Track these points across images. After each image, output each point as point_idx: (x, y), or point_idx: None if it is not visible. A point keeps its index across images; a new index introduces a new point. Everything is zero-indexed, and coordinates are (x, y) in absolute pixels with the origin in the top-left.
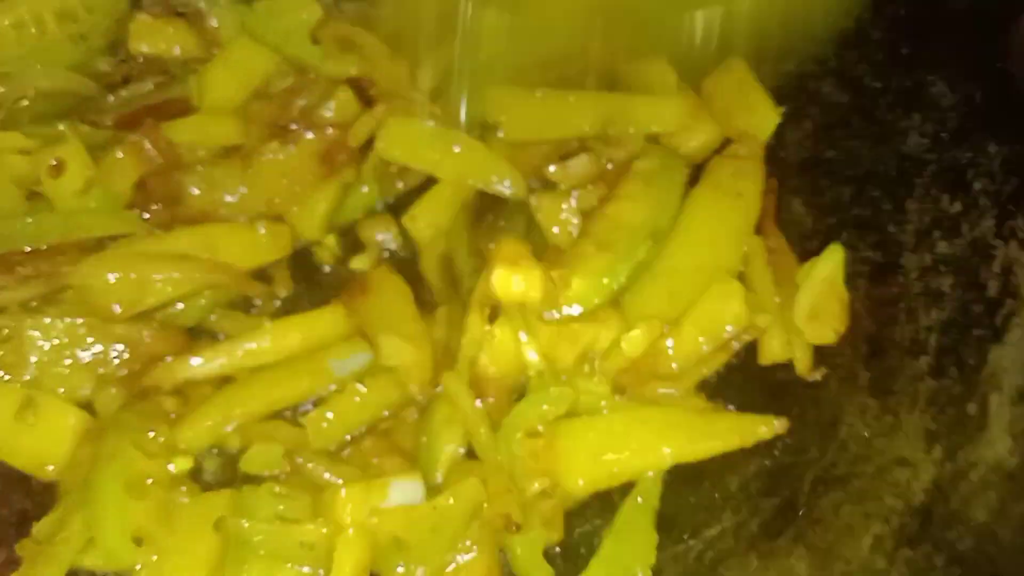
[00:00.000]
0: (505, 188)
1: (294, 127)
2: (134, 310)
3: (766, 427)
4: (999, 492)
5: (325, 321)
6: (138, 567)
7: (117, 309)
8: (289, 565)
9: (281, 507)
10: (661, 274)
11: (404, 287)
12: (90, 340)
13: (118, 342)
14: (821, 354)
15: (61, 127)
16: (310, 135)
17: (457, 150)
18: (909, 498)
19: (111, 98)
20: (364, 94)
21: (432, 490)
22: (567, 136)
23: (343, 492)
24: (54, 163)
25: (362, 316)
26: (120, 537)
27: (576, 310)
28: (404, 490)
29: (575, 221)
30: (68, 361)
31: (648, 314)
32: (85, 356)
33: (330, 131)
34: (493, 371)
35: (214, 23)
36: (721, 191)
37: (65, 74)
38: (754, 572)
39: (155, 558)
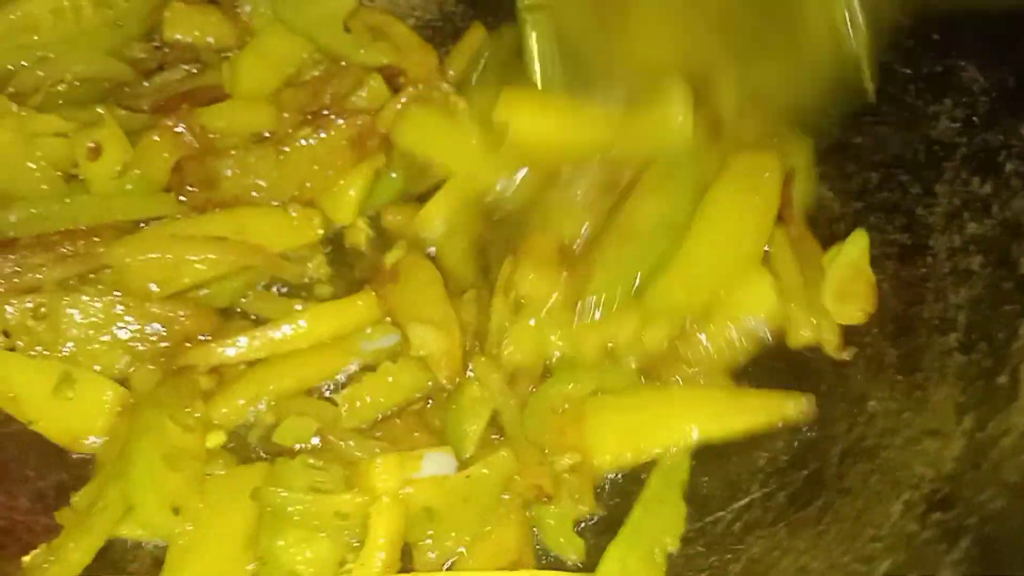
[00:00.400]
0: (517, 183)
1: (326, 113)
2: (170, 290)
3: (794, 404)
4: None
5: (357, 308)
6: (176, 535)
7: (154, 288)
8: (323, 535)
9: (315, 479)
10: (682, 267)
11: (435, 273)
12: (127, 319)
13: (154, 321)
14: (849, 334)
15: (99, 110)
16: (341, 121)
17: (473, 143)
18: (939, 466)
19: (146, 84)
20: (393, 82)
21: (462, 465)
22: (571, 150)
23: (378, 462)
24: (92, 146)
25: (392, 303)
26: (158, 506)
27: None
28: (437, 462)
29: (587, 220)
30: (105, 338)
31: (669, 306)
32: (122, 333)
33: (361, 118)
34: (519, 358)
35: (247, 10)
36: (741, 184)
37: (101, 59)
38: (783, 541)
39: (191, 527)
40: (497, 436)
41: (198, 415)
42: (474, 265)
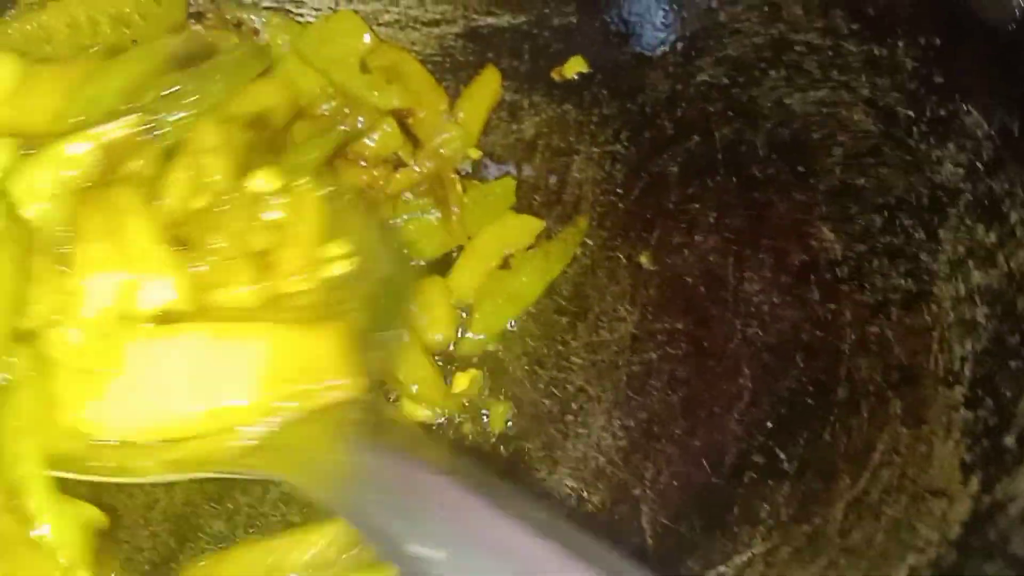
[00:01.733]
0: None
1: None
2: None
3: None
4: None
5: None
6: None
7: None
8: None
9: None
10: None
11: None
12: None
13: None
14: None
15: None
16: (353, 167)
17: None
18: (945, 530)
19: None
20: (403, 123)
21: None
22: None
23: None
24: None
25: None
26: None
27: None
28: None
29: None
30: None
31: None
32: None
33: (378, 172)
34: None
35: (264, 38)
36: None
37: None
38: None
39: None
40: None
41: None
42: None
